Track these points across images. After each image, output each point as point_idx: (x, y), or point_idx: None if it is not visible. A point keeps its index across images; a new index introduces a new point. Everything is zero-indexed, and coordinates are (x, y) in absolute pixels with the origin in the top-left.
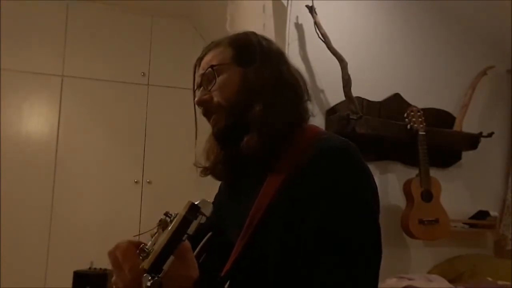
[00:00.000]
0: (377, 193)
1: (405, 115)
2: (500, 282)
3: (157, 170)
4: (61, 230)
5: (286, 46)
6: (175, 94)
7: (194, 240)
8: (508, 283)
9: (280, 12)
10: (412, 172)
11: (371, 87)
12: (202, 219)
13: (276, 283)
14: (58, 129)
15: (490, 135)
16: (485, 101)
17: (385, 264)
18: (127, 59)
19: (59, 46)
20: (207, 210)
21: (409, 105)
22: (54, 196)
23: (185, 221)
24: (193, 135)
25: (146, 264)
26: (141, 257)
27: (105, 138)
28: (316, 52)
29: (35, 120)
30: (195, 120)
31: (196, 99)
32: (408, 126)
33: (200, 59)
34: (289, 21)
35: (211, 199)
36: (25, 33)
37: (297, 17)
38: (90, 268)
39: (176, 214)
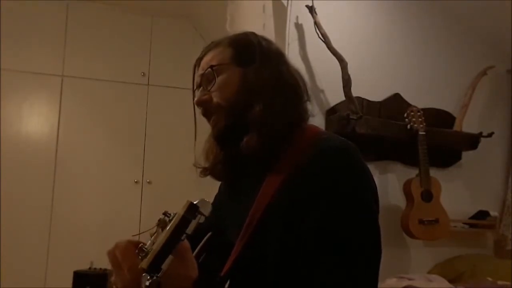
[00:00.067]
0: (377, 193)
1: (405, 115)
2: (500, 282)
3: (157, 170)
4: (61, 230)
5: (286, 46)
6: (175, 94)
7: (194, 240)
8: (508, 283)
9: (280, 12)
10: (412, 172)
11: (371, 87)
12: (201, 219)
13: (275, 283)
14: (58, 129)
15: (490, 135)
16: (485, 101)
17: (385, 264)
18: (127, 59)
19: (59, 46)
20: (206, 210)
21: (409, 105)
22: (54, 196)
23: (184, 220)
24: (193, 135)
25: (144, 263)
26: (140, 257)
27: (105, 138)
28: (316, 52)
29: (35, 120)
30: (194, 120)
31: (195, 99)
32: (408, 126)
33: (199, 59)
34: (289, 21)
35: (211, 199)
36: (25, 33)
37: (297, 17)
38: (90, 268)
39: (175, 214)
